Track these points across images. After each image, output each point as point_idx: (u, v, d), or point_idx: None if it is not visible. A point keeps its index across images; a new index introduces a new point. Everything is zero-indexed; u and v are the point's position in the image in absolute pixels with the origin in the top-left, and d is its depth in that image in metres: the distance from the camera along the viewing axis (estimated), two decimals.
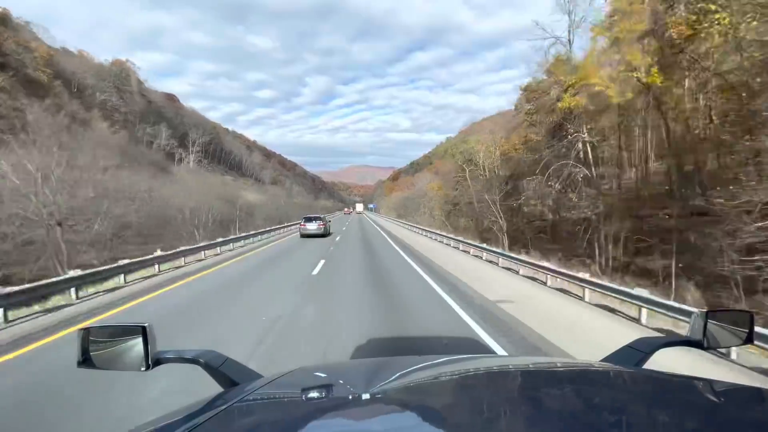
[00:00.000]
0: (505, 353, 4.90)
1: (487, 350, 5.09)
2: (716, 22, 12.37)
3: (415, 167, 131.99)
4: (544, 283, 9.94)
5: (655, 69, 15.32)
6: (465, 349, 5.09)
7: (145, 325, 1.04)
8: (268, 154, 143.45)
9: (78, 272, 8.40)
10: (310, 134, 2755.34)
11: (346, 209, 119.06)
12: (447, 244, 20.14)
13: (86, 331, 1.06)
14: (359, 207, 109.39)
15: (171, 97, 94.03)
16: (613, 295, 7.43)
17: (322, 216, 26.19)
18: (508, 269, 12.38)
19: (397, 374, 1.12)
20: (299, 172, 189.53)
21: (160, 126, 70.82)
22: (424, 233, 27.28)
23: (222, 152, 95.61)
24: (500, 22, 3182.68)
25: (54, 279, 8.17)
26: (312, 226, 23.33)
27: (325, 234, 23.54)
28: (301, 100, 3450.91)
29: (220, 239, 18.30)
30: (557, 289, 9.36)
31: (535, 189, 24.61)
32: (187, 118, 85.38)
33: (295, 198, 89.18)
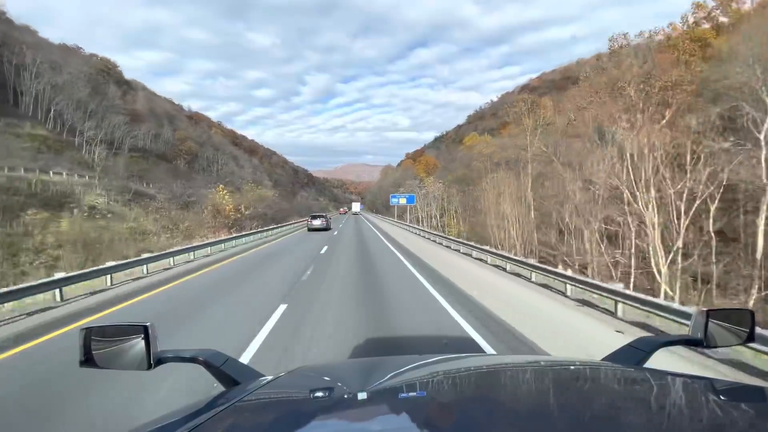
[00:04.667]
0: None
1: (484, 351, 5.02)
2: None
3: (446, 140, 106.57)
4: None
5: None
6: (462, 349, 5.04)
7: (147, 324, 1.05)
8: (208, 122, 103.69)
9: None
10: (309, 134, 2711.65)
11: (341, 209, 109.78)
12: None
13: (88, 330, 1.05)
14: (355, 206, 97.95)
15: None
16: None
17: (324, 214, 33.92)
18: None
19: (396, 373, 1.14)
20: (276, 162, 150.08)
21: None
22: None
23: None
24: (506, 17, 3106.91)
25: None
26: (317, 222, 29.93)
27: (327, 228, 29.55)
28: (301, 99, 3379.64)
29: None
30: None
31: None
32: None
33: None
